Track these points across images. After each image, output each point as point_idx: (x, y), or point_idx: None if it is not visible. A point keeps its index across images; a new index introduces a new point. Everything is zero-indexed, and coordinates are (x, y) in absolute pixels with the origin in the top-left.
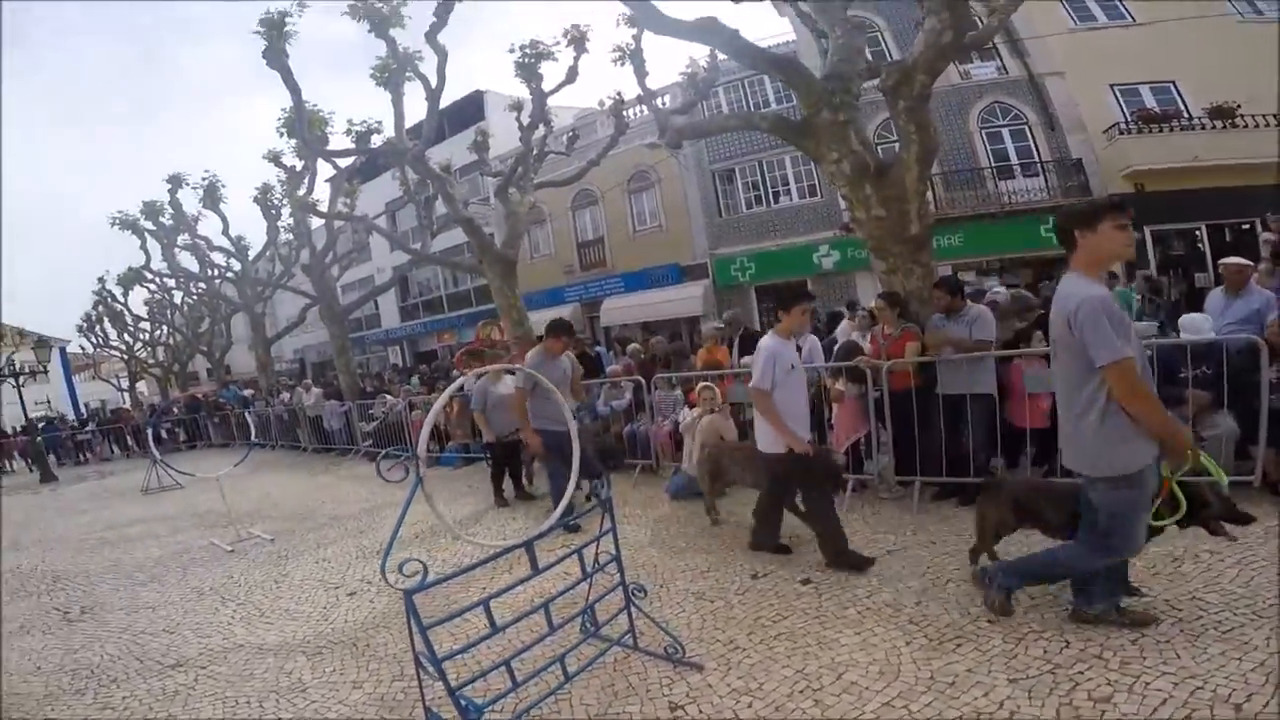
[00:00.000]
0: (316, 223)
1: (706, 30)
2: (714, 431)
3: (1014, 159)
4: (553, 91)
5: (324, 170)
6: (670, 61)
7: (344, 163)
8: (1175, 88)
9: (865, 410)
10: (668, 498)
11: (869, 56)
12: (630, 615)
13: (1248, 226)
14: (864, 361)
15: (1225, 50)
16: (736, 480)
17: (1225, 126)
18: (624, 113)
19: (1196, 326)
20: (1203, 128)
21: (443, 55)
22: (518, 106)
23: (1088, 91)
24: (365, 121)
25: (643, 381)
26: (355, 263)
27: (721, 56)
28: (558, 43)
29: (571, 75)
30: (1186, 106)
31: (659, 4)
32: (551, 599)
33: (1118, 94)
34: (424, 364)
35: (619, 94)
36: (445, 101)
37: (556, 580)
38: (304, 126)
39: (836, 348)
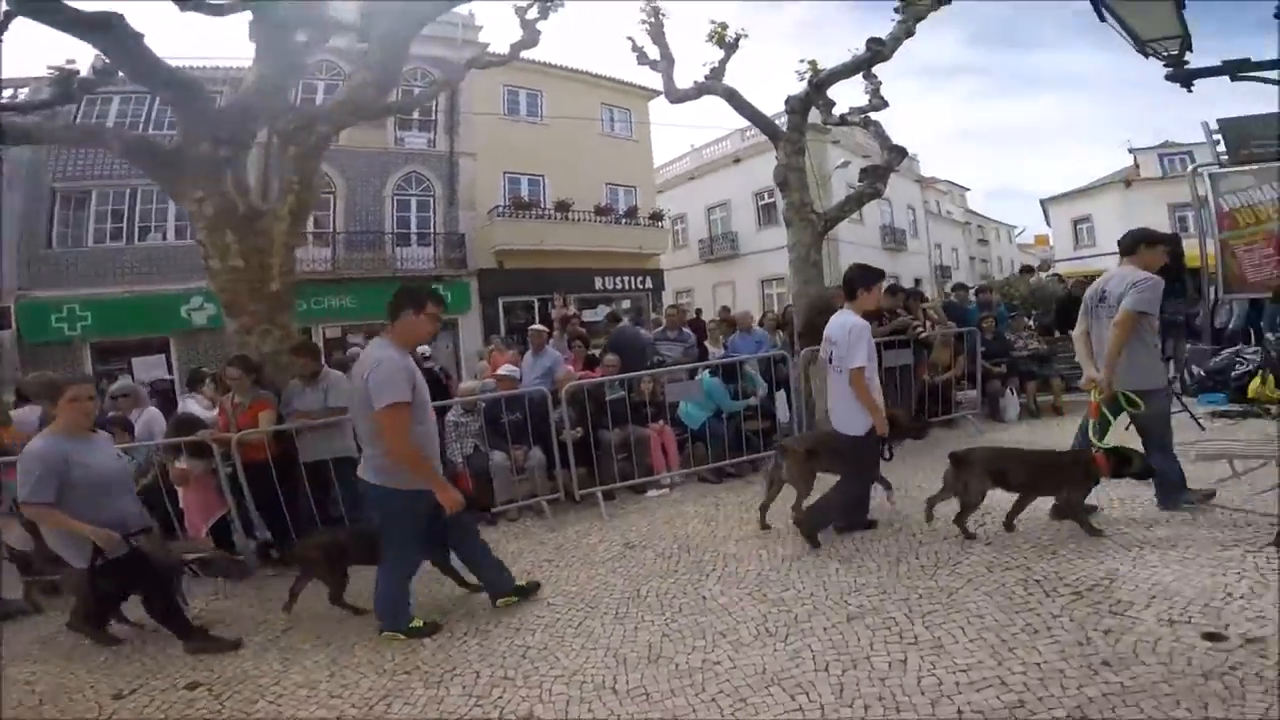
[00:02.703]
0: None
1: (99, 28)
2: None
3: (414, 228)
4: None
5: None
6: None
7: None
8: (543, 181)
9: (219, 487)
10: None
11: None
12: None
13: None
14: (208, 435)
15: (582, 154)
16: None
17: (564, 218)
18: None
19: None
20: (550, 217)
21: None
22: None
23: (488, 174)
24: None
25: None
26: None
27: None
28: None
29: None
30: (544, 198)
31: None
32: None
33: (506, 180)
34: None
35: None
36: None
37: None
38: None
39: (171, 422)
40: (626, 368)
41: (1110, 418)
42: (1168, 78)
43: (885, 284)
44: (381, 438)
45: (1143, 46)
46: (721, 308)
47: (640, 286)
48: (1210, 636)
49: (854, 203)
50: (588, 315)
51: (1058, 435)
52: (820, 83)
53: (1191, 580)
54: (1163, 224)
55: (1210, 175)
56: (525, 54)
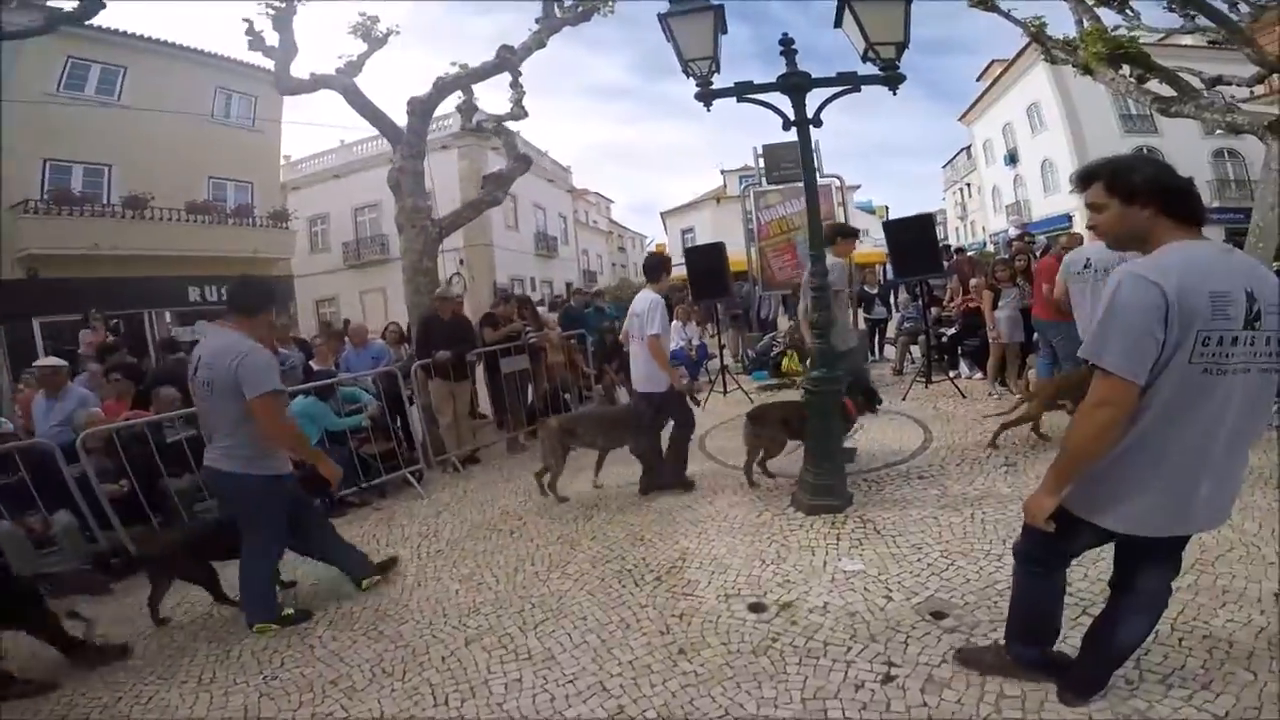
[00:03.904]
0: None
1: None
2: None
3: None
4: None
5: None
6: None
7: None
8: (109, 172)
9: None
10: None
11: None
12: None
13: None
14: None
15: (177, 143)
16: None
17: (138, 216)
18: None
19: None
20: (116, 215)
21: None
22: None
23: (19, 162)
24: None
25: None
26: None
27: None
28: None
29: None
30: (109, 192)
31: None
32: None
33: (49, 170)
34: None
35: None
36: None
37: None
38: None
39: None
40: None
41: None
42: (696, 96)
43: (671, 275)
44: (248, 425)
45: (685, 65)
46: (322, 323)
47: None
48: (754, 608)
49: (473, 210)
50: (184, 333)
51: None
52: (445, 86)
53: (738, 550)
54: (739, 235)
55: (754, 193)
56: (114, 25)
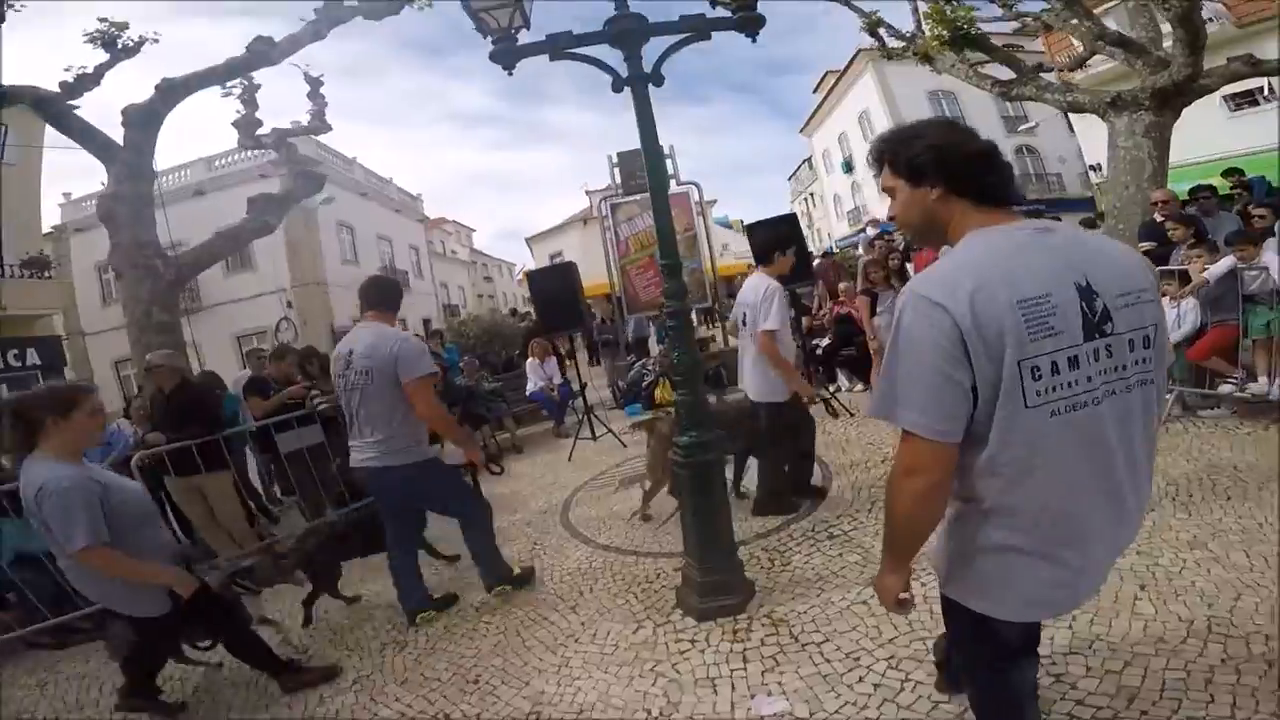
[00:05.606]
0: None
1: None
2: None
3: None
4: None
5: None
6: None
7: None
8: None
9: None
10: None
11: None
12: None
13: None
14: None
15: None
16: None
17: None
18: None
19: None
20: None
21: None
22: None
23: None
24: None
25: None
26: None
27: None
28: None
29: None
30: None
31: None
32: None
33: None
34: None
35: None
36: None
37: None
38: None
39: None
40: None
41: None
42: (491, 56)
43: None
44: (401, 414)
45: (475, 17)
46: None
47: (17, 365)
48: None
49: (229, 242)
50: None
51: (526, 476)
52: (170, 89)
53: (613, 694)
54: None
55: (610, 205)
56: None
